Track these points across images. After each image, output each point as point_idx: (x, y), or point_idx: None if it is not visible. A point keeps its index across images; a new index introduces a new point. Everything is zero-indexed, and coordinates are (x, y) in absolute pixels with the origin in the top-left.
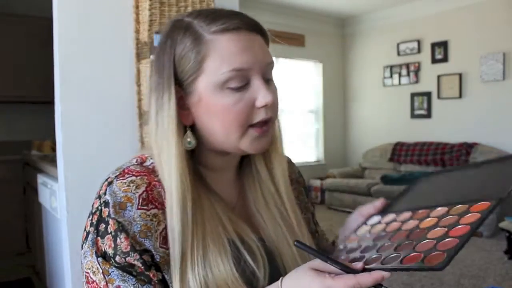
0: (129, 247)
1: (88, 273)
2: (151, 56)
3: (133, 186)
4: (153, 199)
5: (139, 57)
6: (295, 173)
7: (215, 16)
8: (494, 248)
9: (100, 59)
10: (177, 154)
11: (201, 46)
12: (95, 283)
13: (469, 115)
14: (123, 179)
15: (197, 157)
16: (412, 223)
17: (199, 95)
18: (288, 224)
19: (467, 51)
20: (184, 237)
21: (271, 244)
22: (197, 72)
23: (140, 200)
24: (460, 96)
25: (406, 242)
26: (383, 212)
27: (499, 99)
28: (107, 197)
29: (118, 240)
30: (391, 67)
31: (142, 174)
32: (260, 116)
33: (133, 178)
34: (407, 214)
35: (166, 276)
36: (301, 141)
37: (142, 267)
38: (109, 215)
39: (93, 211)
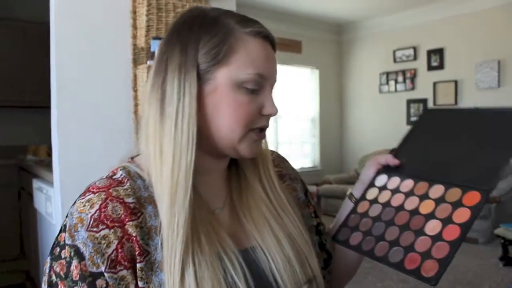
0: (78, 276)
1: None
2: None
3: (88, 205)
4: (105, 217)
5: (135, 62)
6: (288, 169)
7: (246, 19)
8: (489, 255)
9: (96, 64)
10: (194, 141)
11: (231, 40)
12: None
13: None
14: (82, 199)
15: None
16: (413, 202)
17: (215, 85)
18: (280, 223)
19: (462, 58)
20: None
21: (257, 249)
22: (221, 62)
23: (91, 221)
24: (456, 103)
25: (408, 231)
26: (390, 169)
27: (494, 106)
28: (67, 220)
29: (72, 266)
30: (387, 73)
31: (101, 189)
32: (261, 122)
33: (91, 196)
34: (409, 183)
35: None
36: (297, 147)
37: None
38: (64, 241)
39: (57, 234)
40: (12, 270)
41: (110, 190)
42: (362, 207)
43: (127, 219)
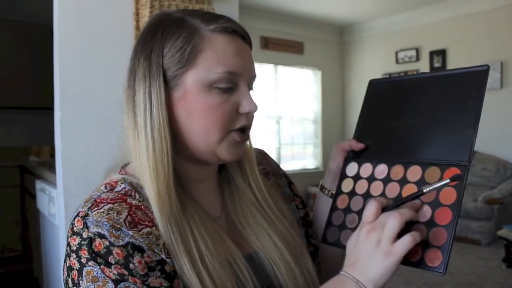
0: (146, 268)
1: None
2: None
3: (113, 213)
4: (140, 220)
5: None
6: (271, 164)
7: (212, 16)
8: (492, 256)
9: (99, 66)
10: (169, 148)
11: (196, 40)
12: None
13: None
14: (99, 209)
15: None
16: (394, 188)
17: (184, 90)
18: (274, 228)
19: (465, 59)
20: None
21: (259, 254)
22: (188, 65)
23: (127, 224)
24: None
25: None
26: (357, 154)
27: (496, 107)
28: (95, 229)
29: (131, 265)
30: (390, 74)
31: (118, 200)
32: (241, 122)
33: (111, 205)
34: (383, 168)
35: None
36: (299, 148)
37: (166, 281)
38: (111, 244)
39: (74, 249)
40: (15, 271)
41: (128, 200)
42: (342, 201)
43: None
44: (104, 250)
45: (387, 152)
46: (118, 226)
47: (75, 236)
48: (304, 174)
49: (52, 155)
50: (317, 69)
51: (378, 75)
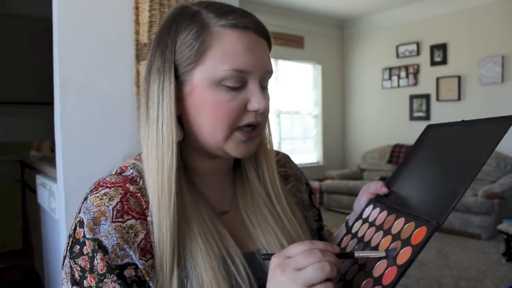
0: (105, 268)
1: None
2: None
3: (106, 198)
4: (129, 209)
5: (138, 58)
6: (293, 169)
7: (225, 10)
8: (492, 250)
9: (99, 60)
10: (174, 142)
11: (206, 36)
12: None
13: (467, 118)
14: (96, 193)
15: (184, 160)
16: (378, 238)
17: (192, 86)
18: (282, 227)
19: (466, 54)
20: (174, 239)
21: (262, 253)
22: (196, 61)
23: (115, 212)
24: (459, 98)
25: (362, 272)
26: (380, 198)
27: (497, 101)
28: (81, 215)
29: (95, 261)
30: (390, 69)
31: (116, 185)
32: (248, 118)
33: (107, 190)
34: (383, 215)
35: (152, 287)
36: (300, 142)
37: (120, 287)
38: (84, 236)
39: (70, 233)
40: (16, 265)
41: (127, 185)
42: (345, 241)
43: (148, 214)
44: (82, 239)
45: (397, 199)
46: (103, 218)
47: (74, 221)
48: (305, 168)
49: (53, 150)
50: (317, 63)
51: (378, 69)
